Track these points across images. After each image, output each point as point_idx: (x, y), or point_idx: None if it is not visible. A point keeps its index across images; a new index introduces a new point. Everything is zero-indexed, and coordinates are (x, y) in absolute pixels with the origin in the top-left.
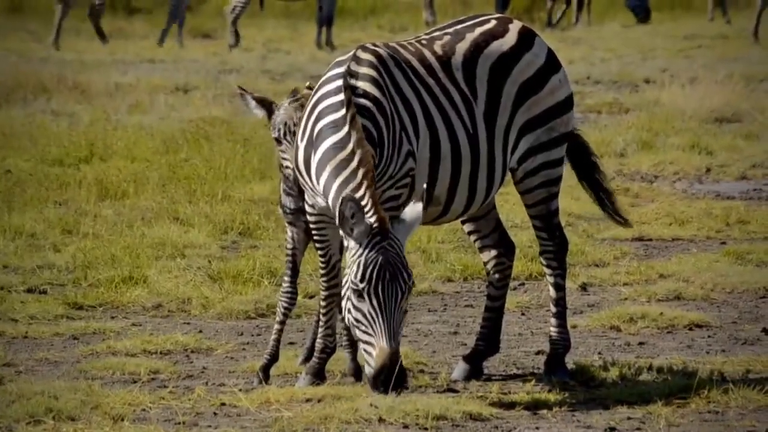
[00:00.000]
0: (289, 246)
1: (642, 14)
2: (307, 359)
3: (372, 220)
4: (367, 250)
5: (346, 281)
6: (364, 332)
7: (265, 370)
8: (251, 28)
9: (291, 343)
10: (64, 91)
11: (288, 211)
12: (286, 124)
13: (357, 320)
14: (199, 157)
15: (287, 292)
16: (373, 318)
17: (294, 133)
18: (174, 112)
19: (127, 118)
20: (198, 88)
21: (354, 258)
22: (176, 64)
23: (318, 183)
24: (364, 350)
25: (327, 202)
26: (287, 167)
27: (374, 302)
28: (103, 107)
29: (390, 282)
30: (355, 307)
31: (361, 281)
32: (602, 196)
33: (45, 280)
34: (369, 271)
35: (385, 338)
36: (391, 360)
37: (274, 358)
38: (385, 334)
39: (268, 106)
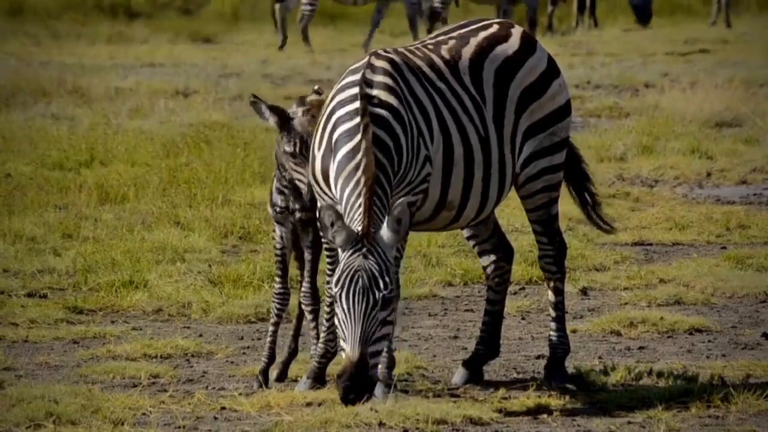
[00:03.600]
0: (278, 246)
1: (642, 16)
2: (281, 373)
3: (359, 228)
4: (346, 256)
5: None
6: (341, 338)
7: (264, 373)
8: (252, 32)
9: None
10: (64, 95)
11: (278, 210)
12: (302, 138)
13: (336, 326)
14: (200, 161)
15: (279, 293)
16: (343, 323)
17: (309, 148)
18: (174, 117)
19: (128, 122)
20: (198, 92)
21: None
22: (176, 68)
23: (337, 192)
24: (341, 356)
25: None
26: (299, 180)
27: (344, 307)
28: (103, 111)
29: (361, 289)
30: (335, 312)
31: (335, 285)
32: (587, 199)
33: (45, 284)
34: (343, 276)
35: (350, 345)
36: (355, 367)
37: (271, 360)
38: (350, 341)
39: (281, 113)
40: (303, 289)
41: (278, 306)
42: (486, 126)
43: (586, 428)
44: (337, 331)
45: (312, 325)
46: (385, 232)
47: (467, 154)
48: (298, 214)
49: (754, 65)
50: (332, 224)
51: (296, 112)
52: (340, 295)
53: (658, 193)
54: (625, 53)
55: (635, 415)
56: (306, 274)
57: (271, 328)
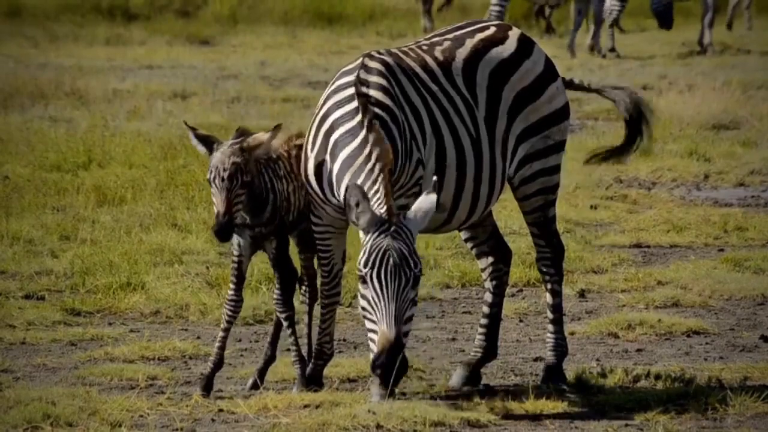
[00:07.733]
0: (236, 252)
1: (664, 20)
2: (261, 373)
3: (383, 210)
4: (373, 237)
5: None
6: (370, 320)
7: (209, 379)
8: (250, 34)
9: (288, 350)
10: (61, 97)
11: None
12: (217, 168)
13: (363, 308)
14: (197, 163)
15: (232, 300)
16: (376, 304)
17: (223, 179)
18: (172, 119)
19: (125, 124)
20: (196, 94)
21: (362, 246)
22: (174, 70)
23: (339, 192)
24: (370, 339)
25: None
26: (217, 211)
27: (377, 287)
28: (101, 113)
29: (393, 267)
30: (361, 295)
31: (365, 266)
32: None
33: (43, 286)
34: (372, 256)
35: (386, 323)
36: (392, 345)
37: (217, 366)
38: (386, 320)
39: (209, 144)
40: (275, 296)
41: (229, 312)
42: (478, 128)
43: (583, 430)
44: (365, 313)
45: (289, 331)
46: (410, 214)
47: (459, 157)
48: (257, 229)
49: (752, 68)
50: (357, 204)
51: (225, 143)
52: (371, 275)
53: (656, 196)
54: (623, 56)
55: (633, 417)
56: (276, 281)
57: (220, 334)
